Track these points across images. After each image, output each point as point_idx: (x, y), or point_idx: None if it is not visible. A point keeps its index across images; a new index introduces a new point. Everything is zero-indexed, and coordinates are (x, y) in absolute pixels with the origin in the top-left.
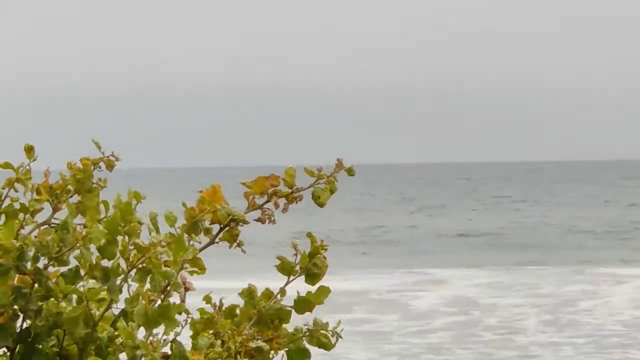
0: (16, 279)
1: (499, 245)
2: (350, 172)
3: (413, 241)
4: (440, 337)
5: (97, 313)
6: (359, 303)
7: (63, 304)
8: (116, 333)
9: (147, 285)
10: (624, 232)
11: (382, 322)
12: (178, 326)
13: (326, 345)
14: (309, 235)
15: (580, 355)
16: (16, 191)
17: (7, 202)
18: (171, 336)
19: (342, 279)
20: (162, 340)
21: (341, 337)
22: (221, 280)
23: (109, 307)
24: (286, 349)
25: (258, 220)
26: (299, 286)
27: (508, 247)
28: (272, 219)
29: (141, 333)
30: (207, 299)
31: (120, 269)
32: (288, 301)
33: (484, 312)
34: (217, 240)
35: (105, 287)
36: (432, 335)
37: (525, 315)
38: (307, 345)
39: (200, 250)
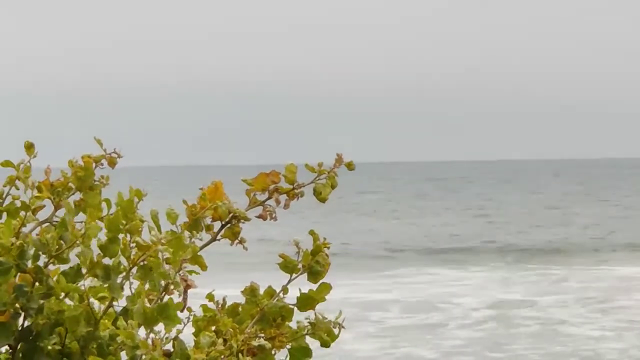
0: (17, 277)
1: (516, 247)
2: (349, 166)
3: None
4: (487, 333)
5: (101, 308)
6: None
7: (68, 301)
8: (117, 331)
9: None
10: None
11: (429, 319)
12: (179, 324)
13: (327, 341)
14: (311, 232)
15: (634, 349)
16: (17, 189)
17: (8, 200)
18: (174, 334)
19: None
20: (164, 338)
21: (343, 327)
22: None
23: (110, 305)
24: (288, 347)
25: (259, 216)
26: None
27: (524, 249)
28: (274, 215)
29: (143, 331)
30: (210, 297)
31: (122, 267)
32: (288, 299)
33: (523, 310)
34: (218, 237)
35: (107, 285)
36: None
37: (565, 310)
38: (311, 340)
39: (202, 248)
